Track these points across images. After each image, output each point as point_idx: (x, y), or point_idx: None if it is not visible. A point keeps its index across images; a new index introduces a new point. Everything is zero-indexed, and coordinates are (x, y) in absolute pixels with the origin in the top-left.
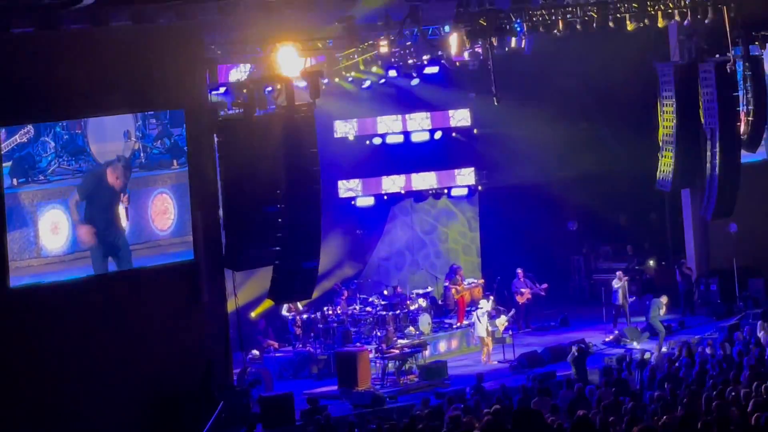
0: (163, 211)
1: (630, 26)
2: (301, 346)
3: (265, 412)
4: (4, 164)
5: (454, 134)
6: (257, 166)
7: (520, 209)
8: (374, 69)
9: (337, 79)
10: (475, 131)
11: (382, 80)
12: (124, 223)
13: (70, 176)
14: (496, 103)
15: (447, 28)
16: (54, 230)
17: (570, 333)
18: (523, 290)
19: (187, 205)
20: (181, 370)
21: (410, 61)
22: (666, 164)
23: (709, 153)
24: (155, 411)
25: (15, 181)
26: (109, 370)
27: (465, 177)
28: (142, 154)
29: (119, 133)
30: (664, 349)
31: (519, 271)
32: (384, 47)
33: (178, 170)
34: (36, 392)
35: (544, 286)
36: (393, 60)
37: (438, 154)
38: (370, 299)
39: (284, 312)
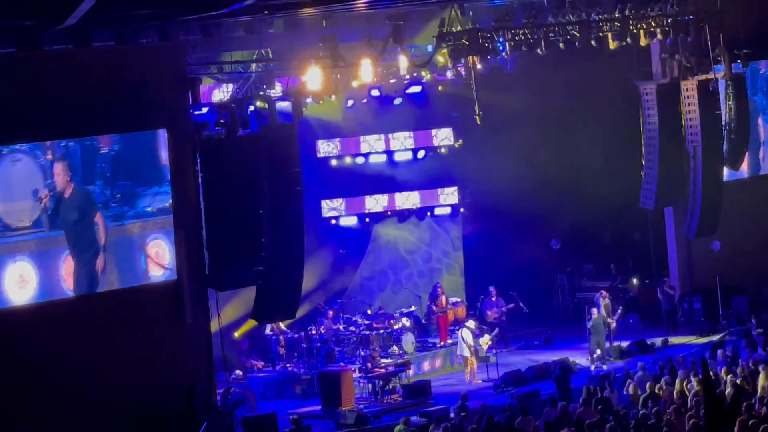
0: (74, 271)
1: (612, 45)
2: (284, 365)
3: None
4: None
5: (441, 150)
6: (240, 186)
7: (503, 228)
8: (355, 84)
9: (321, 100)
10: (456, 145)
11: (365, 100)
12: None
13: None
14: (478, 122)
15: (430, 48)
16: None
17: (554, 352)
18: (488, 311)
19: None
20: (165, 391)
21: (392, 81)
22: (649, 182)
23: (691, 171)
24: (139, 431)
25: None
26: (93, 391)
27: (448, 196)
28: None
29: (27, 193)
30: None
31: (491, 289)
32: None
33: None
34: (18, 413)
35: (510, 305)
36: (375, 79)
37: (421, 173)
38: (354, 319)
39: (268, 331)
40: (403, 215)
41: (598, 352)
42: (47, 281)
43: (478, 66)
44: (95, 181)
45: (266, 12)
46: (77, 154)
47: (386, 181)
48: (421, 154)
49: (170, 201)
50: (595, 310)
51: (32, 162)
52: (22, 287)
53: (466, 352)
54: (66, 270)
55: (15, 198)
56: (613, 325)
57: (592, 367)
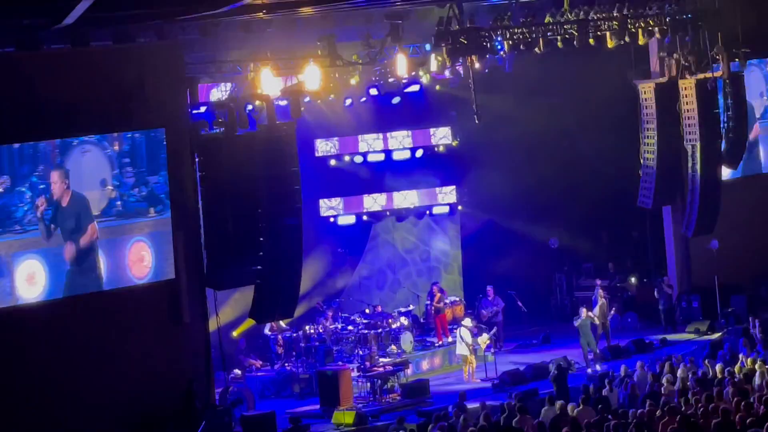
0: (140, 259)
1: (610, 44)
2: (282, 365)
3: (247, 431)
4: None
5: (439, 148)
6: (238, 185)
7: (501, 227)
8: (353, 81)
9: (318, 101)
10: (454, 143)
11: (363, 98)
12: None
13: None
14: (477, 122)
15: (428, 47)
16: (30, 280)
17: (552, 350)
18: (483, 311)
19: (164, 253)
20: (163, 390)
21: (391, 80)
22: (647, 181)
23: (690, 170)
24: (137, 431)
25: None
26: (91, 390)
27: (446, 195)
28: (118, 202)
29: (96, 182)
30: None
31: (489, 288)
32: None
33: (155, 218)
34: (17, 414)
35: (502, 305)
36: (374, 78)
37: (419, 172)
38: (352, 318)
39: (266, 331)
40: (401, 214)
41: (596, 351)
42: (115, 268)
43: (477, 65)
44: (159, 172)
45: (264, 11)
46: (143, 145)
47: (384, 180)
48: (419, 153)
49: None
50: (583, 310)
51: (100, 153)
52: None
53: (465, 351)
54: (131, 258)
55: (84, 188)
56: (606, 324)
57: (589, 370)
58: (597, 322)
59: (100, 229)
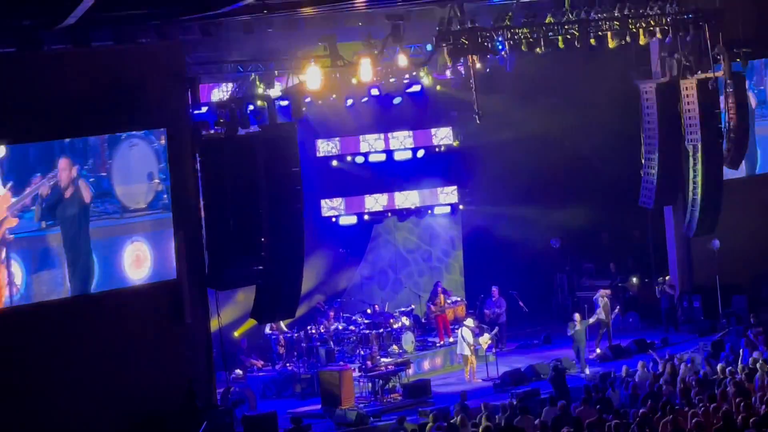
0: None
1: (612, 44)
2: (284, 365)
3: (248, 431)
4: (33, 208)
5: (440, 149)
6: (240, 185)
7: (503, 227)
8: (354, 81)
9: (320, 101)
10: (455, 144)
11: (365, 99)
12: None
13: (96, 218)
14: (478, 122)
15: (429, 47)
16: None
17: (553, 351)
18: (485, 311)
19: None
20: (165, 390)
21: (392, 80)
22: (648, 181)
23: (691, 170)
24: (139, 430)
25: (44, 224)
26: (92, 390)
27: (448, 195)
28: (165, 196)
29: (143, 175)
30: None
31: (494, 289)
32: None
33: None
34: (19, 412)
35: (504, 307)
36: (375, 78)
37: (421, 172)
38: (354, 318)
39: (267, 331)
40: (402, 214)
41: (598, 351)
42: (161, 261)
43: (478, 65)
44: None
45: (265, 11)
46: None
47: (386, 181)
48: (420, 153)
49: None
50: (578, 316)
51: (147, 147)
52: (139, 267)
53: (467, 351)
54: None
55: (132, 181)
56: (609, 324)
57: (583, 374)
58: (591, 322)
59: (149, 221)
